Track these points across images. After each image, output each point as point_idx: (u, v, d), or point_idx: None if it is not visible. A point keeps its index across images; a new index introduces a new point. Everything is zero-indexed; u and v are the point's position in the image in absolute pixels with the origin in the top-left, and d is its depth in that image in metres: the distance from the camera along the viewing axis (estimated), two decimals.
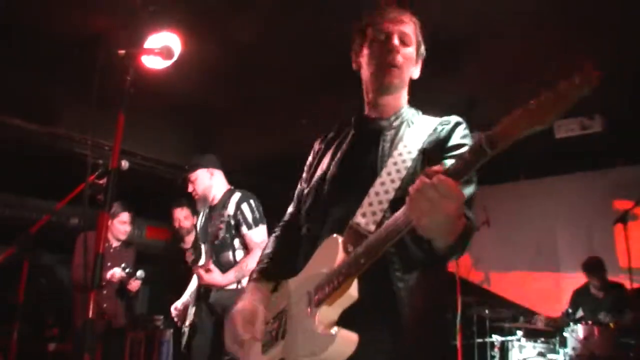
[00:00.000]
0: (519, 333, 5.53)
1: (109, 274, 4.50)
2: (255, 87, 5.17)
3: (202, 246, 3.80)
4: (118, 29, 4.04)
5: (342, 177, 1.69)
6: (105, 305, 4.54)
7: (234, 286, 3.48)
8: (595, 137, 5.56)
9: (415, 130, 1.66)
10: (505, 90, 4.43)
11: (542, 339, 5.41)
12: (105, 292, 4.51)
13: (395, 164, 1.58)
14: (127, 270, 4.57)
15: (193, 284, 3.97)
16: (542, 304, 6.43)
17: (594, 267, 5.47)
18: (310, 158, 1.93)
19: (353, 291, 1.39)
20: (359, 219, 1.51)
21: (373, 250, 1.35)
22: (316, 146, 1.94)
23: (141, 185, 5.47)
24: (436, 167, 1.24)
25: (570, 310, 5.46)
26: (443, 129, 1.64)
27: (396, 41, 1.71)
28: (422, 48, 1.80)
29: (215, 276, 3.45)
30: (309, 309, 1.46)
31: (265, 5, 3.95)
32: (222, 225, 3.56)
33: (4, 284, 4.75)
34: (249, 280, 1.79)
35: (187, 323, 3.74)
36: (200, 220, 3.92)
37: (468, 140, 1.62)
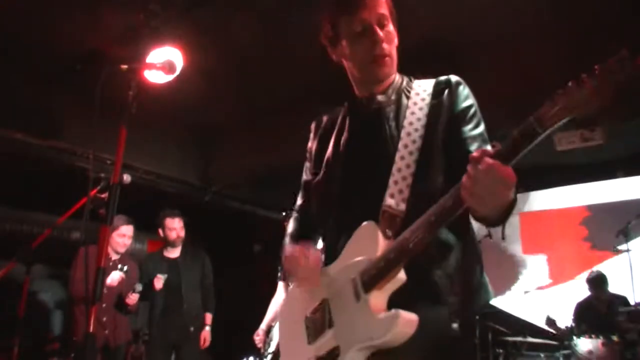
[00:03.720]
0: (523, 347, 5.48)
1: (108, 279, 4.48)
2: (258, 100, 5.19)
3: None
4: (120, 43, 4.07)
5: (357, 162, 1.66)
6: (104, 319, 4.52)
7: None
8: (596, 149, 5.56)
9: (414, 98, 1.64)
10: (509, 98, 4.44)
11: (547, 353, 5.36)
12: (104, 305, 4.49)
13: (409, 134, 1.57)
14: (124, 269, 4.56)
15: (275, 305, 4.09)
16: (545, 317, 6.38)
17: (597, 281, 5.45)
18: (310, 143, 1.90)
19: (402, 274, 1.41)
20: (388, 201, 1.51)
21: (420, 234, 1.35)
22: (312, 132, 1.90)
23: (143, 199, 5.47)
24: (485, 150, 1.22)
25: (573, 325, 5.42)
26: (445, 91, 1.62)
27: (378, 30, 1.61)
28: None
29: None
30: (357, 296, 1.47)
31: (268, 18, 3.98)
32: None
33: (5, 299, 4.74)
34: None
35: (273, 348, 3.84)
36: None
37: (472, 100, 1.62)
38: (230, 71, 4.68)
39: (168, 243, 5.11)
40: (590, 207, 6.64)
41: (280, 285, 4.25)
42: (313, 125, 1.91)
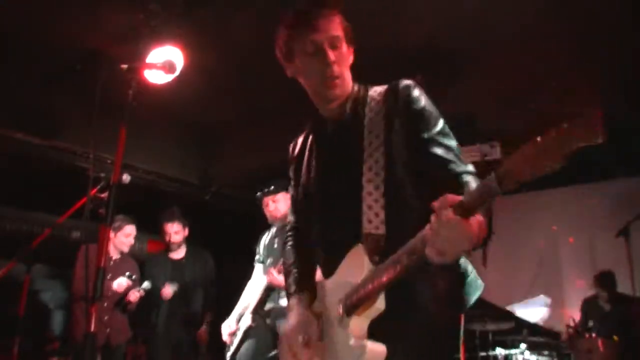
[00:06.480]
0: (523, 346, 5.48)
1: (115, 284, 4.49)
2: (258, 99, 5.19)
3: (268, 259, 4.11)
4: (120, 43, 4.07)
5: (330, 187, 1.69)
6: (105, 318, 4.52)
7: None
8: (596, 149, 5.55)
9: (371, 110, 1.64)
10: (509, 98, 4.44)
11: (546, 352, 5.36)
12: (105, 304, 4.49)
13: (371, 156, 1.58)
14: (132, 277, 4.58)
15: (250, 290, 4.18)
16: (545, 317, 6.38)
17: (605, 280, 5.47)
18: (290, 166, 1.92)
19: (380, 304, 1.44)
20: (367, 226, 1.52)
21: (395, 270, 1.35)
22: (289, 154, 1.92)
23: (143, 199, 5.47)
24: (447, 199, 1.20)
25: (582, 321, 5.45)
26: (394, 97, 1.62)
27: (329, 53, 1.61)
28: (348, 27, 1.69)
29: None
30: (340, 319, 1.51)
31: (268, 18, 3.98)
32: None
33: (5, 298, 4.74)
34: (291, 294, 1.80)
35: (243, 330, 3.97)
36: (266, 237, 4.27)
37: (424, 101, 1.60)
38: (231, 71, 4.67)
39: (169, 247, 5.12)
40: (589, 207, 6.63)
41: (257, 268, 4.26)
42: (290, 148, 1.92)
